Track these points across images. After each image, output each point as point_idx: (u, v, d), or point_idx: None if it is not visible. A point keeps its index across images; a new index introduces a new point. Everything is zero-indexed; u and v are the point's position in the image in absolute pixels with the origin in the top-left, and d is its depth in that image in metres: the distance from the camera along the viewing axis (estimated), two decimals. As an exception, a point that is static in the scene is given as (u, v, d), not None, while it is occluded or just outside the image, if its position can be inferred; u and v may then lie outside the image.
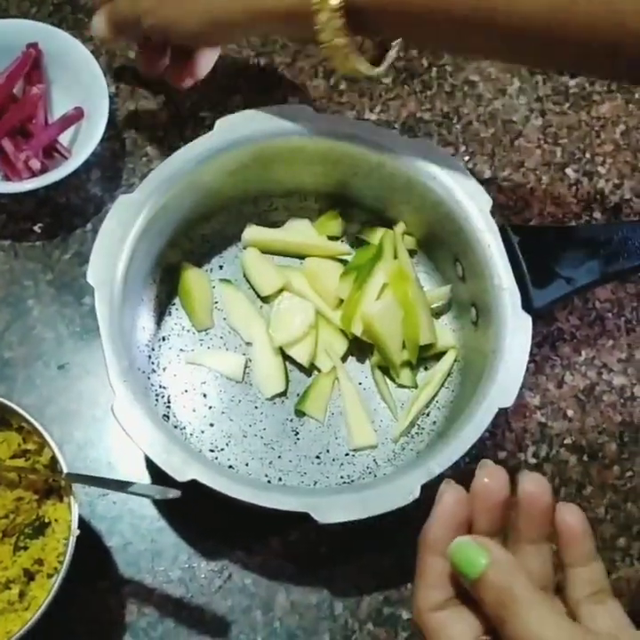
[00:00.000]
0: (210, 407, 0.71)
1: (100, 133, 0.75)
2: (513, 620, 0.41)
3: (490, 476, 0.46)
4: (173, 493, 0.56)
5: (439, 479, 0.62)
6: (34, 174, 0.75)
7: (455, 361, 0.73)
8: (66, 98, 0.79)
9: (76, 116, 0.77)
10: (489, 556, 0.43)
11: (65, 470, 0.58)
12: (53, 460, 0.60)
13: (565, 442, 0.75)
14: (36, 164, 0.74)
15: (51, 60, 0.79)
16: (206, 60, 0.75)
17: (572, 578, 0.46)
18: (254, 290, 0.75)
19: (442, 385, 0.72)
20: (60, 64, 0.79)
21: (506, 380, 0.64)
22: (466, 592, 0.45)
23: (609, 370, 0.77)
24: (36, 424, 0.59)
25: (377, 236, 0.77)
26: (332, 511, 0.60)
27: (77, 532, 0.57)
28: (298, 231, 0.77)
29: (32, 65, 0.78)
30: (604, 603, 0.45)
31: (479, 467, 0.47)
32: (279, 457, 0.70)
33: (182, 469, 0.59)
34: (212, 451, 0.70)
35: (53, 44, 0.78)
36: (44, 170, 0.75)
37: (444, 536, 0.45)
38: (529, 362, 0.65)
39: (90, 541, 0.67)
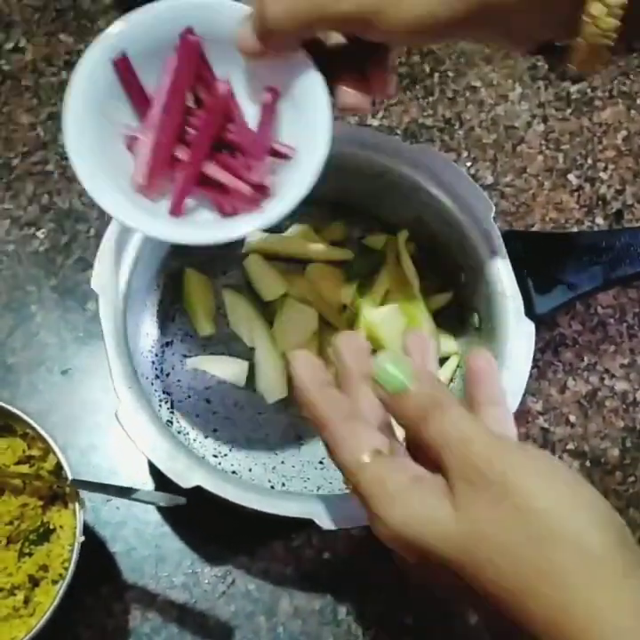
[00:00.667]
0: (213, 413, 0.72)
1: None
2: (436, 420, 0.42)
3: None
4: (179, 500, 0.56)
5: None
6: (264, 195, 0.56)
7: (458, 367, 0.73)
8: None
9: (273, 99, 0.56)
10: (413, 370, 0.44)
11: (70, 477, 0.59)
12: (58, 466, 0.60)
13: (568, 447, 0.75)
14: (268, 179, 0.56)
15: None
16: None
17: (483, 415, 0.48)
18: (258, 295, 0.75)
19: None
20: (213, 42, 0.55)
21: (509, 387, 0.64)
22: None
23: (611, 375, 0.77)
24: (41, 430, 0.59)
25: (380, 241, 0.77)
26: (336, 518, 0.60)
27: (82, 538, 0.57)
28: (301, 237, 0.77)
29: (197, 56, 0.55)
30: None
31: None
32: (282, 462, 0.70)
33: (187, 475, 0.59)
34: (215, 456, 0.70)
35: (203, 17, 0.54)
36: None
37: (315, 377, 0.48)
38: (532, 367, 0.65)
39: (94, 547, 0.67)
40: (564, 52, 0.48)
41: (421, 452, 0.45)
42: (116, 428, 0.62)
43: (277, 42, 0.51)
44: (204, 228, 0.55)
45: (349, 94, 0.53)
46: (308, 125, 0.54)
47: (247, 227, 0.54)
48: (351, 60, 0.52)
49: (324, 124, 0.53)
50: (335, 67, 0.52)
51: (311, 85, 0.53)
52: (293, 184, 0.53)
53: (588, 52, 0.45)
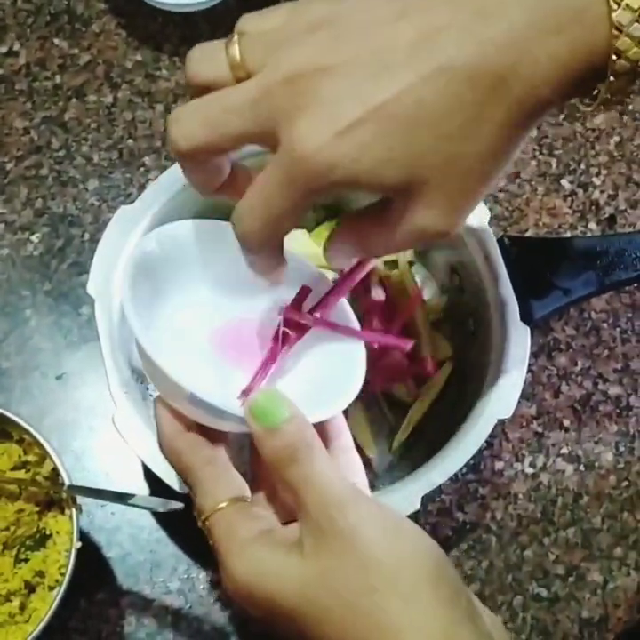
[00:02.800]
0: (208, 417, 0.71)
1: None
2: (302, 463, 0.43)
3: None
4: (176, 505, 0.56)
5: (439, 490, 0.62)
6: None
7: (453, 372, 0.74)
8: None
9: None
10: (290, 409, 0.44)
11: (66, 482, 0.58)
12: (54, 471, 0.60)
13: (562, 451, 0.75)
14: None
15: None
16: None
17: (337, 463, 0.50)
18: (252, 300, 0.75)
19: (441, 396, 0.73)
20: None
21: (504, 391, 0.65)
22: None
23: (605, 380, 0.78)
24: (38, 436, 0.59)
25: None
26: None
27: (79, 544, 0.57)
28: (295, 241, 0.77)
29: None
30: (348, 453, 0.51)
31: None
32: (278, 467, 0.70)
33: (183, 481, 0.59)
34: (210, 461, 0.70)
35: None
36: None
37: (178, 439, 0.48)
38: (525, 372, 0.66)
39: (89, 552, 0.67)
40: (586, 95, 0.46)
41: (278, 501, 0.47)
42: (111, 433, 0.62)
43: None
44: None
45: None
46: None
47: None
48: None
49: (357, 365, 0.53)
50: None
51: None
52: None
53: (618, 88, 0.43)
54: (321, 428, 0.48)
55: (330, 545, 0.41)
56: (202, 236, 0.56)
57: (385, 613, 0.39)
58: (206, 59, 0.43)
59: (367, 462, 0.71)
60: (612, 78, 0.40)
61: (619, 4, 0.38)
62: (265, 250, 0.46)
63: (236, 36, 0.43)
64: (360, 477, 0.50)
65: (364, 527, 0.41)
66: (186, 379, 0.45)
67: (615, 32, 0.38)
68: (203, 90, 0.43)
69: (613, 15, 0.38)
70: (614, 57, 0.39)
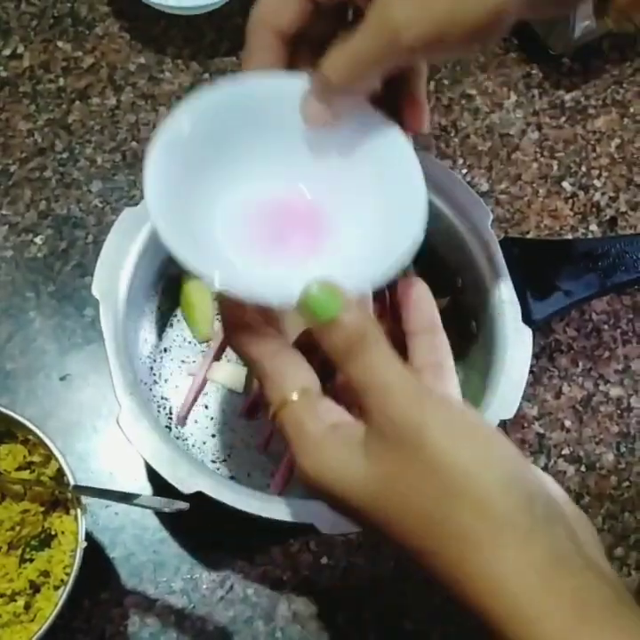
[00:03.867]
0: (211, 418, 0.72)
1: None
2: (359, 358, 0.40)
3: None
4: (181, 505, 0.56)
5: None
6: None
7: (456, 372, 0.74)
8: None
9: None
10: (342, 301, 0.41)
11: (72, 482, 0.59)
12: (59, 472, 0.60)
13: (563, 452, 0.75)
14: None
15: None
16: None
17: (416, 344, 0.47)
18: (255, 302, 0.76)
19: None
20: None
21: (506, 392, 0.65)
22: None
23: (606, 381, 0.78)
24: (43, 436, 0.60)
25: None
26: (336, 522, 0.60)
27: (85, 544, 0.57)
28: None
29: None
30: (440, 374, 0.47)
31: None
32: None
33: (188, 481, 0.59)
34: (213, 462, 0.70)
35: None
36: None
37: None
38: (527, 373, 0.66)
39: (92, 553, 0.67)
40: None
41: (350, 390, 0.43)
42: (115, 434, 0.62)
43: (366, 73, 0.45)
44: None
45: None
46: (398, 198, 0.48)
47: None
48: (379, 98, 0.49)
49: (419, 196, 0.47)
50: None
51: (397, 149, 0.48)
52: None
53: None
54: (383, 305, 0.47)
55: (393, 449, 0.39)
56: (237, 109, 0.49)
57: (458, 524, 0.37)
58: None
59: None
60: None
61: None
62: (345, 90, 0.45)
63: None
64: (441, 356, 0.47)
65: (430, 431, 0.38)
66: (212, 267, 0.43)
67: None
68: None
69: None
70: None
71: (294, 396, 0.42)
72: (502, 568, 0.37)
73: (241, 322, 0.45)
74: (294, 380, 0.43)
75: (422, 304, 0.48)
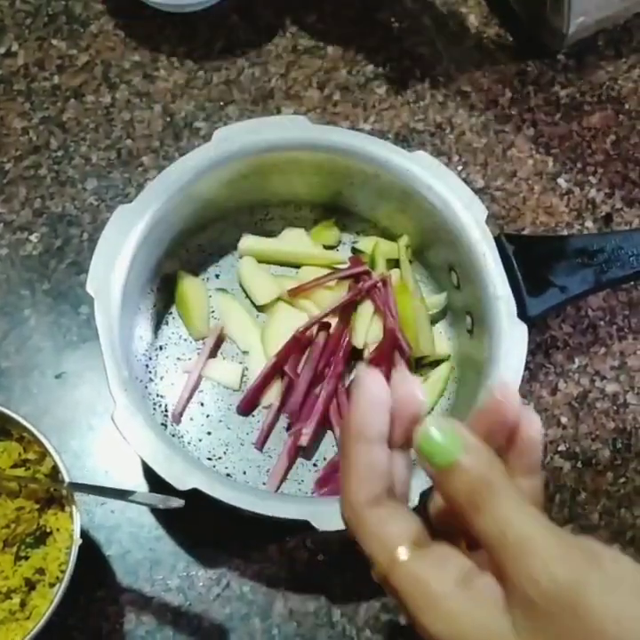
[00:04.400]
0: (207, 416, 0.72)
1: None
2: (487, 509, 0.35)
3: (404, 381, 0.40)
4: (176, 502, 0.56)
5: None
6: None
7: (452, 369, 0.74)
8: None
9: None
10: (462, 441, 0.36)
11: (67, 479, 0.59)
12: (54, 469, 0.60)
13: (559, 449, 0.75)
14: None
15: None
16: None
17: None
18: (250, 299, 0.76)
19: (440, 395, 0.73)
20: None
21: (502, 388, 0.65)
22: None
23: (602, 377, 0.78)
24: (38, 434, 0.59)
25: (370, 245, 0.77)
26: (332, 519, 0.60)
27: (80, 541, 0.57)
28: (293, 240, 0.78)
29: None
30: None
31: (395, 373, 0.41)
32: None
33: (183, 478, 0.59)
34: (209, 459, 0.70)
35: None
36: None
37: (371, 421, 0.39)
38: (523, 369, 0.66)
39: (88, 550, 0.67)
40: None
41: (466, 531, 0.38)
42: (110, 431, 0.62)
43: None
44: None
45: None
46: None
47: None
48: None
49: None
50: None
51: None
52: None
53: None
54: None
55: (546, 621, 0.33)
56: None
57: None
58: None
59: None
60: None
61: None
62: None
63: None
64: (538, 501, 0.41)
65: (590, 592, 0.32)
66: None
67: None
68: None
69: None
70: None
71: (405, 553, 0.37)
72: None
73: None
74: (402, 533, 0.37)
75: (534, 446, 0.41)
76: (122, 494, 0.59)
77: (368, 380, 0.40)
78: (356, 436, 0.39)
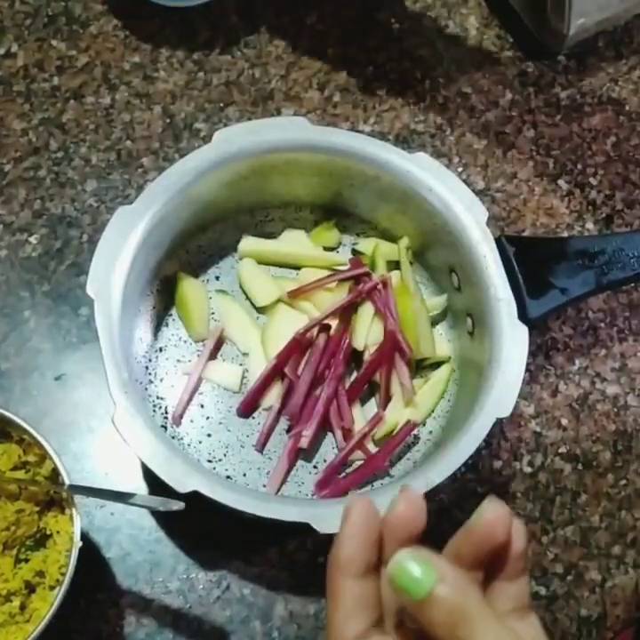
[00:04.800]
0: (207, 417, 0.72)
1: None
2: (466, 637, 0.36)
3: (408, 502, 0.40)
4: (176, 505, 0.56)
5: (437, 489, 0.63)
6: None
7: (452, 371, 0.74)
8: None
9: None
10: (437, 572, 0.36)
11: (67, 482, 0.59)
12: (54, 471, 0.60)
13: (560, 451, 0.75)
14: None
15: None
16: None
17: (499, 592, 0.41)
18: (250, 300, 0.75)
19: (440, 397, 0.73)
20: None
21: (503, 391, 0.65)
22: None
23: (602, 379, 0.78)
24: (38, 436, 0.59)
25: (370, 247, 0.77)
26: (333, 521, 0.60)
27: (80, 543, 0.57)
28: (294, 242, 0.78)
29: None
30: (526, 618, 0.41)
31: (400, 490, 0.41)
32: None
33: (183, 481, 0.59)
34: (210, 461, 0.70)
35: None
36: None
37: (357, 556, 0.39)
38: (524, 371, 0.66)
39: (88, 553, 0.67)
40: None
41: None
42: (110, 433, 0.62)
43: None
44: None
45: None
46: None
47: None
48: None
49: None
50: None
51: None
52: None
53: None
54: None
55: None
56: None
57: None
58: None
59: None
60: None
61: None
62: None
63: None
64: (523, 604, 0.41)
65: None
66: None
67: None
68: None
69: None
70: None
71: None
72: None
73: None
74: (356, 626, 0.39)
75: (520, 554, 0.41)
76: (122, 497, 0.59)
77: (354, 512, 0.40)
78: (343, 570, 0.39)
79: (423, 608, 0.36)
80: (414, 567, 0.36)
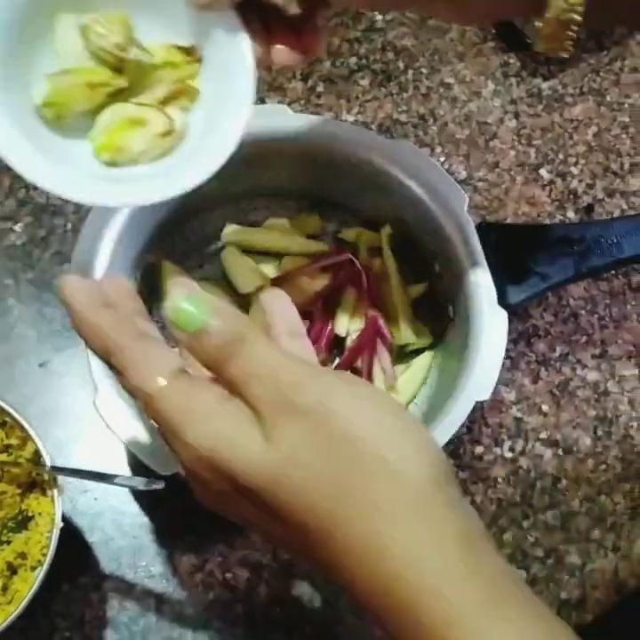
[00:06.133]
0: (190, 404, 0.72)
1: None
2: (240, 354, 0.39)
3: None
4: (157, 484, 0.56)
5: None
6: None
7: (433, 357, 0.74)
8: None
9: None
10: (211, 306, 0.40)
11: (48, 464, 0.59)
12: (36, 453, 0.60)
13: (541, 436, 0.76)
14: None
15: None
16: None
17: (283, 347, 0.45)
18: (234, 288, 0.76)
19: (422, 384, 0.74)
20: None
21: (482, 374, 0.65)
22: None
23: (583, 366, 0.79)
24: (20, 418, 0.60)
25: (353, 234, 0.78)
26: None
27: (61, 524, 0.57)
28: (277, 230, 0.78)
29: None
30: (297, 339, 0.45)
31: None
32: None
33: (165, 463, 0.59)
34: (192, 446, 0.70)
35: None
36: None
37: (85, 292, 0.42)
38: (505, 358, 0.66)
39: (71, 537, 0.67)
40: (527, 35, 0.47)
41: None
42: (94, 420, 0.62)
43: None
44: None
45: (281, 51, 0.52)
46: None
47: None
48: (283, 17, 0.52)
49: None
50: (267, 23, 0.51)
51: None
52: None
53: (556, 29, 0.43)
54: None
55: (296, 425, 0.37)
56: None
57: (371, 493, 0.36)
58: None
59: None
60: (549, 15, 0.41)
61: None
62: None
63: None
64: (310, 359, 0.45)
65: (331, 402, 0.37)
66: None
67: None
68: None
69: None
70: None
71: (166, 380, 0.40)
72: (419, 541, 0.36)
73: (96, 300, 0.42)
74: (165, 363, 0.41)
75: (283, 308, 0.47)
76: (104, 477, 0.59)
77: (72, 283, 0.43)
78: (88, 305, 0.42)
79: (199, 339, 0.39)
80: (189, 304, 0.40)
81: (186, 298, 0.40)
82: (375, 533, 0.36)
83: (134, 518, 0.70)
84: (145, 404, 0.41)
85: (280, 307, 0.47)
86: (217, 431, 0.38)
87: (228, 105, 0.52)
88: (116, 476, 0.59)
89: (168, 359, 0.41)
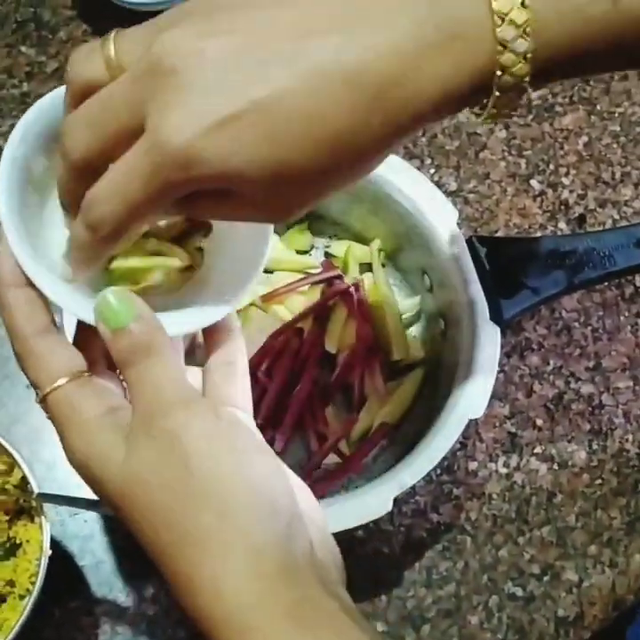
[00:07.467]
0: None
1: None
2: (141, 363, 0.41)
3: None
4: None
5: (413, 491, 0.62)
6: None
7: (425, 372, 0.74)
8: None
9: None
10: (136, 312, 0.41)
11: (36, 490, 0.58)
12: (24, 480, 0.59)
13: (535, 451, 0.75)
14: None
15: None
16: None
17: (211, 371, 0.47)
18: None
19: (414, 399, 0.73)
20: None
21: (475, 391, 0.65)
22: None
23: (577, 379, 0.78)
24: (6, 445, 0.59)
25: (342, 249, 0.77)
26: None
27: (50, 552, 0.56)
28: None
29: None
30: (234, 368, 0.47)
31: None
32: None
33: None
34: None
35: None
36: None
37: (8, 270, 0.42)
38: (498, 372, 0.65)
39: (61, 561, 0.66)
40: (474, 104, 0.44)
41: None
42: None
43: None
44: None
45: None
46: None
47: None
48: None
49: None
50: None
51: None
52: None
53: (505, 102, 0.40)
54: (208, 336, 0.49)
55: (152, 444, 0.39)
56: None
57: (199, 523, 0.38)
58: (84, 59, 0.41)
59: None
60: (497, 94, 0.38)
61: (503, 20, 0.36)
62: (114, 239, 0.41)
63: (112, 33, 0.42)
64: (234, 391, 0.46)
65: (191, 430, 0.39)
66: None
67: (499, 48, 0.37)
68: (85, 92, 0.40)
69: (497, 31, 0.36)
70: (499, 73, 0.37)
71: (65, 379, 0.41)
72: (231, 576, 0.37)
73: (10, 281, 0.42)
74: (65, 363, 0.42)
75: (225, 335, 0.49)
76: (93, 505, 0.59)
77: None
78: (5, 284, 0.42)
79: (116, 337, 0.41)
80: (116, 302, 0.41)
81: (118, 295, 0.41)
82: (190, 564, 0.38)
83: (125, 540, 0.69)
84: (40, 398, 0.42)
85: (226, 332, 0.49)
86: (90, 444, 0.41)
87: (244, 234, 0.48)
88: (104, 502, 0.58)
89: (72, 360, 0.42)
